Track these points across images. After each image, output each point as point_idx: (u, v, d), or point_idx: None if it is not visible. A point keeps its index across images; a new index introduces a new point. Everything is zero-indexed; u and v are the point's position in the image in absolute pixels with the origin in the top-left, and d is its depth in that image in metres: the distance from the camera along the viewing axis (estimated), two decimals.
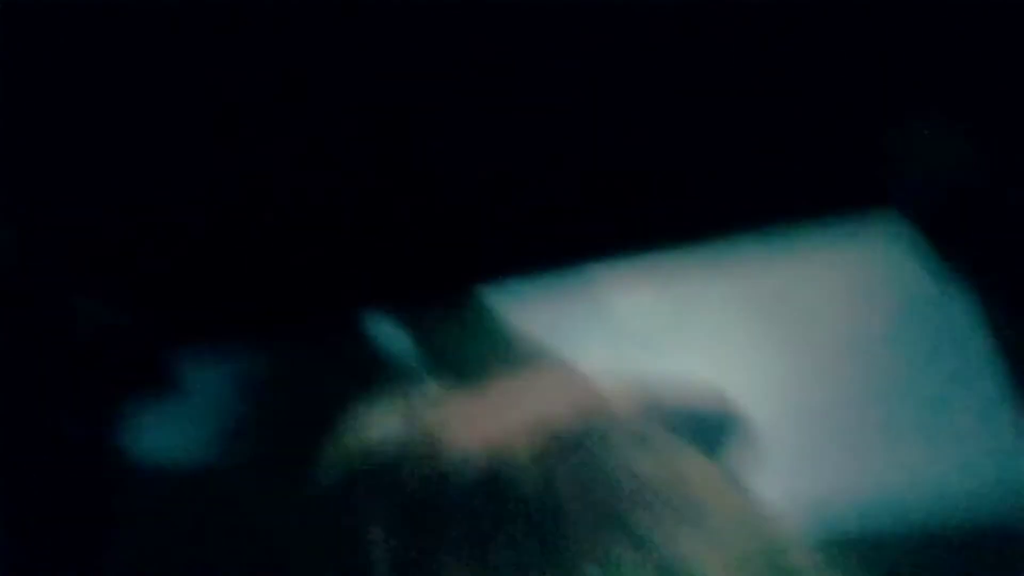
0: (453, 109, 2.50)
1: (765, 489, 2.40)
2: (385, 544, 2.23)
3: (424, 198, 2.55)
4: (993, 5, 2.33)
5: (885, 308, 2.53)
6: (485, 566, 2.13)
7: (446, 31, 2.40)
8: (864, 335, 2.51)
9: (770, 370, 2.54)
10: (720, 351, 2.56)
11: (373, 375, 2.71)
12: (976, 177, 2.50)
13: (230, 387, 2.80)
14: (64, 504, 2.51)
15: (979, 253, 2.56)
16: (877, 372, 2.46)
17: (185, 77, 2.45)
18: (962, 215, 2.62)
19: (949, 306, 2.50)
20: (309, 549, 2.37)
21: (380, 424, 2.53)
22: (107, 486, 2.60)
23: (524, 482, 2.27)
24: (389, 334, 2.81)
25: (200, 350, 2.81)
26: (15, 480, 2.47)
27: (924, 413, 2.40)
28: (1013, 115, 2.48)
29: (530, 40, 2.44)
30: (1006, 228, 2.55)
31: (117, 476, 2.62)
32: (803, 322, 2.57)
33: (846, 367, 2.48)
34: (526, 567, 2.13)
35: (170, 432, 2.70)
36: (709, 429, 2.48)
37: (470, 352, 2.63)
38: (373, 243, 2.66)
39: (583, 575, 2.15)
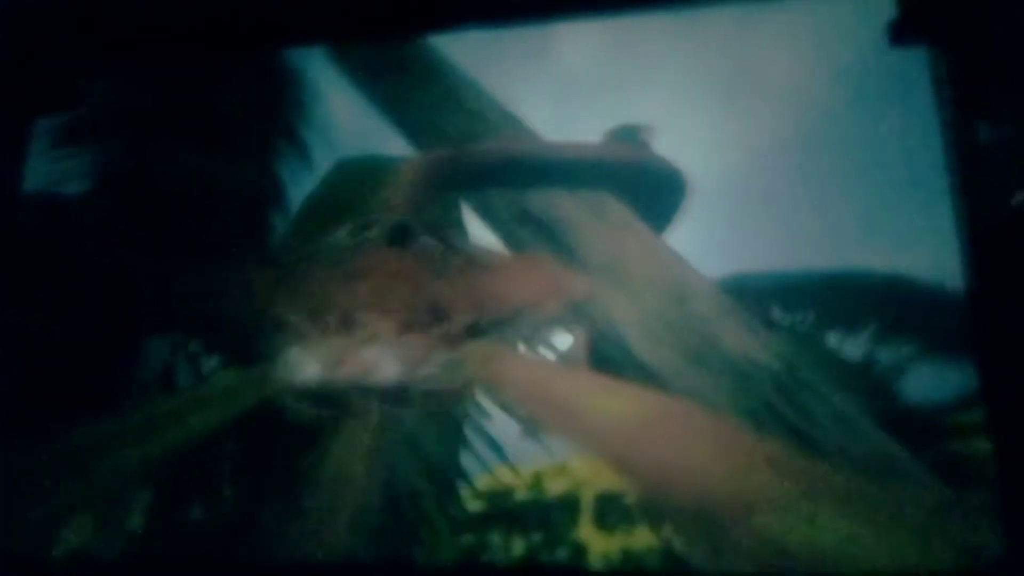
0: None
1: (692, 240, 2.55)
2: None
3: None
4: None
5: (838, 79, 2.51)
6: None
7: None
8: (812, 106, 2.51)
9: (715, 130, 2.56)
10: (668, 109, 2.56)
11: None
12: None
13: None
14: None
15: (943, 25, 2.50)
16: (818, 141, 2.51)
17: None
18: None
19: (903, 83, 2.51)
20: None
21: None
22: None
23: None
24: None
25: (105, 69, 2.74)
26: None
27: (855, 186, 2.49)
28: None
29: None
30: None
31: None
32: (755, 89, 2.56)
33: (789, 135, 2.52)
34: None
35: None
36: (647, 185, 2.56)
37: (421, 103, 2.59)
38: None
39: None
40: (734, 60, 2.59)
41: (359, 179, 2.56)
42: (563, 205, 2.53)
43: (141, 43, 2.63)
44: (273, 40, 2.58)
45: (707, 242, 2.53)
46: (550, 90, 2.58)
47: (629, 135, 2.53)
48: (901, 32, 2.55)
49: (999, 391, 2.20)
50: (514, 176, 2.52)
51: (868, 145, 2.51)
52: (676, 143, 2.57)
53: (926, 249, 2.41)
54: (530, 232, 2.51)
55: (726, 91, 2.60)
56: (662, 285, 2.44)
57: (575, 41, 2.60)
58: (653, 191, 2.55)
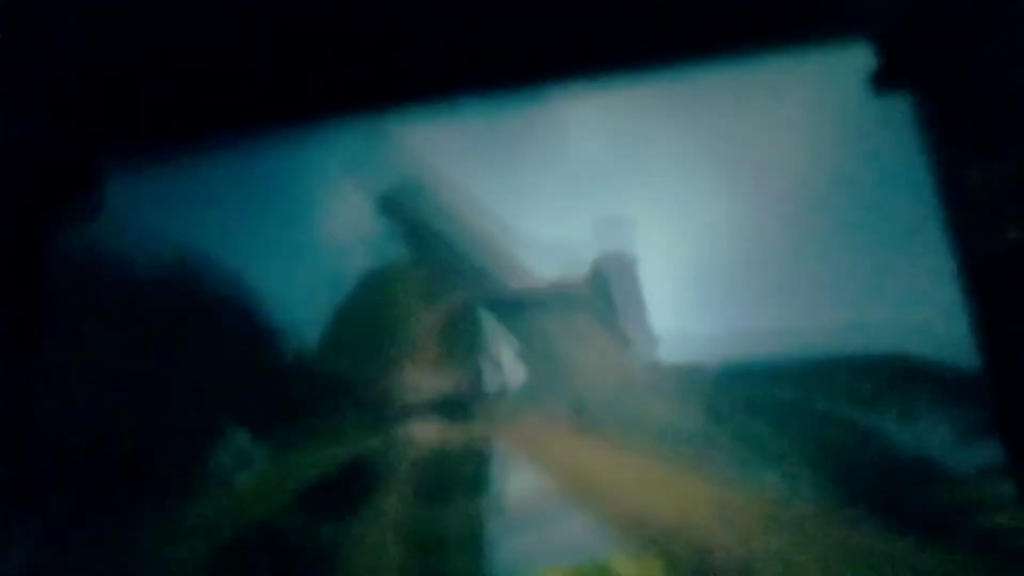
0: None
1: (697, 317, 2.60)
2: None
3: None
4: None
5: (838, 152, 2.58)
6: None
7: None
8: (813, 179, 2.59)
9: (710, 206, 2.64)
10: (663, 191, 2.67)
11: None
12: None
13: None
14: None
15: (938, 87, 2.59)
16: (820, 221, 2.56)
17: None
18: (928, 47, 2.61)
19: (902, 151, 2.55)
20: None
21: None
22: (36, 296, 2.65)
23: None
24: None
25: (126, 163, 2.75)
26: None
27: (853, 244, 2.56)
28: None
29: None
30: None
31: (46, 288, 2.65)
32: (755, 161, 2.65)
33: (790, 212, 2.58)
34: None
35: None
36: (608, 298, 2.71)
37: None
38: (313, 57, 2.62)
39: None
40: (722, 132, 2.68)
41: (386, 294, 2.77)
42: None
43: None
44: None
45: (711, 317, 2.57)
46: (556, 170, 2.71)
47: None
48: (883, 81, 2.63)
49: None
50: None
51: (862, 203, 2.56)
52: (669, 223, 2.66)
53: (929, 296, 2.45)
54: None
55: (716, 164, 2.67)
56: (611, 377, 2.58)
57: (579, 121, 2.74)
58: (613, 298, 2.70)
